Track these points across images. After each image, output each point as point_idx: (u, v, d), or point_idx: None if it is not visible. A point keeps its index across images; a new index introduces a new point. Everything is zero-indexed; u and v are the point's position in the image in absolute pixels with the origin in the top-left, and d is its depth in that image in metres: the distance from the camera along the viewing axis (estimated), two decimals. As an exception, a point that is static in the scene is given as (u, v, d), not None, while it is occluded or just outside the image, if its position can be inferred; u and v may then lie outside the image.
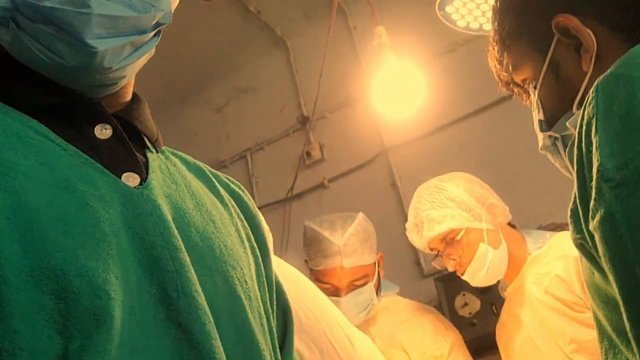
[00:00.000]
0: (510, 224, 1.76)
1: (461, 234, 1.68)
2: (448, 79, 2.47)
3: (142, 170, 0.62)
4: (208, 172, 0.77)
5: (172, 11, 0.66)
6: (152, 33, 0.64)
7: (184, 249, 0.59)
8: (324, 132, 2.88)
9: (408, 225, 1.79)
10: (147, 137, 0.68)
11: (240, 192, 0.80)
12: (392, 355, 1.79)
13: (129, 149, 0.62)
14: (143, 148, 0.67)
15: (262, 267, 0.73)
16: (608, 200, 0.54)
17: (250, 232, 0.74)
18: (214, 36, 2.99)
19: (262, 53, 3.11)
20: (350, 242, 1.82)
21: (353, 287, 1.80)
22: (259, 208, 2.54)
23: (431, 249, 1.77)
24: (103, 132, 0.62)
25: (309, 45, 2.95)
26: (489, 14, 1.74)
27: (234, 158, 3.15)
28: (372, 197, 2.66)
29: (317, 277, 1.84)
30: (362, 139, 2.73)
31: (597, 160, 0.55)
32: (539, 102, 0.82)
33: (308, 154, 2.88)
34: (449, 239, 1.70)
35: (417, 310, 1.92)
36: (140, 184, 0.60)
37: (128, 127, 0.65)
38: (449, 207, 1.69)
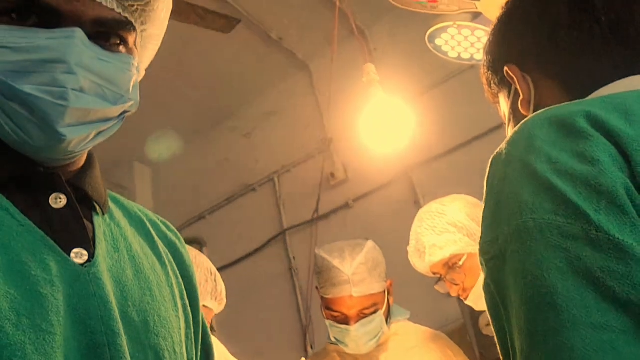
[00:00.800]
0: None
1: (463, 259, 1.66)
2: (468, 94, 2.48)
3: (90, 244, 0.67)
4: (148, 225, 0.82)
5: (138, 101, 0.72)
6: (117, 120, 0.70)
7: (121, 333, 0.63)
8: (348, 153, 2.92)
9: (410, 249, 1.78)
10: (96, 202, 0.72)
11: (177, 242, 0.85)
12: None
13: (79, 219, 0.67)
14: (91, 210, 0.72)
15: (192, 323, 0.78)
16: (486, 271, 0.59)
17: (183, 287, 0.80)
18: (239, 64, 3.08)
19: (286, 77, 3.18)
20: (359, 271, 1.81)
21: (363, 315, 1.80)
22: (287, 230, 2.59)
23: (434, 274, 1.76)
24: (57, 201, 0.66)
25: (330, 68, 3.00)
26: (478, 45, 1.78)
27: (262, 181, 3.20)
28: (396, 216, 2.67)
29: (327, 305, 1.85)
30: (385, 159, 2.76)
31: (481, 233, 0.61)
32: None
33: (332, 175, 2.91)
34: (451, 264, 1.69)
35: (427, 337, 1.91)
36: (88, 260, 0.65)
37: (80, 193, 0.70)
38: (450, 233, 1.68)
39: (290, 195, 3.09)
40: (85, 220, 0.68)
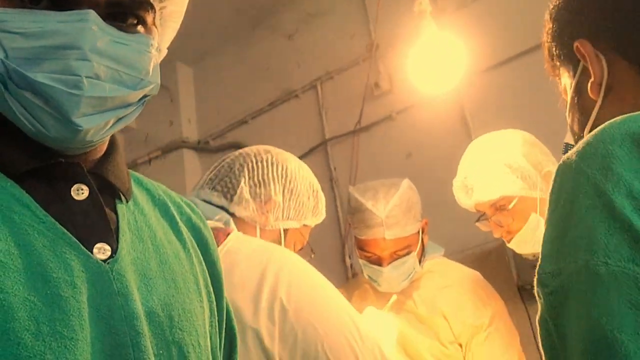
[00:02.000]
0: None
1: (513, 202, 1.60)
2: (518, 5, 2.31)
3: (113, 237, 0.65)
4: (172, 208, 0.79)
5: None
6: (137, 105, 0.66)
7: (145, 332, 0.62)
8: (393, 63, 2.80)
9: (457, 182, 1.71)
10: (119, 190, 0.70)
11: (201, 225, 0.83)
12: (434, 322, 1.79)
13: (101, 211, 0.65)
14: (114, 198, 0.70)
15: (216, 311, 0.77)
16: (543, 304, 0.54)
17: (207, 274, 0.78)
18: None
19: (332, -23, 3.02)
20: (392, 214, 1.78)
21: (396, 257, 1.79)
22: (328, 140, 2.58)
23: (478, 211, 1.70)
24: (79, 192, 0.64)
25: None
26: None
27: (305, 88, 3.13)
28: (440, 132, 2.60)
29: (360, 245, 1.84)
30: (434, 70, 2.64)
31: (540, 258, 0.55)
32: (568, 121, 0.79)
33: (377, 85, 2.82)
34: (499, 206, 1.62)
35: (461, 277, 1.88)
36: (112, 255, 0.64)
37: (103, 181, 0.68)
38: (504, 174, 1.59)
39: (333, 104, 3.03)
40: (108, 210, 0.66)
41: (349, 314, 1.07)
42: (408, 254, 1.81)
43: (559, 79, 0.84)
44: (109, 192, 0.70)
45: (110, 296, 0.62)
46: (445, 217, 2.56)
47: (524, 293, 2.26)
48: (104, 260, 0.63)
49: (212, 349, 0.75)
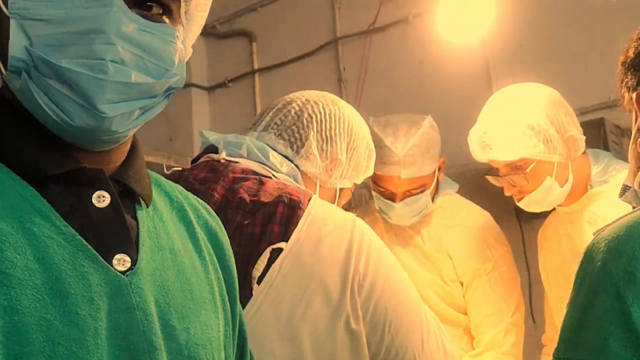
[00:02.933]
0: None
1: (531, 166, 1.55)
2: None
3: (133, 247, 0.65)
4: (189, 211, 0.78)
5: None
6: (163, 97, 0.65)
7: (162, 348, 0.63)
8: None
9: (473, 134, 1.64)
10: (140, 196, 0.70)
11: (218, 230, 0.82)
12: (438, 260, 1.82)
13: (122, 220, 0.65)
14: (134, 203, 0.70)
15: (230, 318, 0.77)
16: None
17: (222, 282, 0.77)
18: None
19: None
20: (411, 153, 1.75)
21: (409, 194, 1.79)
22: (339, 39, 2.49)
23: (491, 165, 1.66)
24: (100, 200, 0.64)
25: None
26: None
27: (319, -20, 2.99)
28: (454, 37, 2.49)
29: (374, 179, 1.82)
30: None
31: (558, 339, 0.59)
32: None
33: (395, -16, 2.68)
34: (515, 166, 1.58)
35: (470, 217, 1.88)
36: (131, 266, 0.64)
37: (124, 187, 0.68)
38: (526, 136, 1.54)
39: (348, 0, 2.90)
40: (128, 217, 0.65)
41: (420, 301, 1.07)
42: (422, 192, 1.80)
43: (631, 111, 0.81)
44: (129, 197, 0.69)
45: (129, 310, 0.62)
46: (451, 129, 2.52)
47: (520, 215, 2.27)
48: (123, 272, 0.63)
49: (225, 358, 0.75)
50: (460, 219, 1.87)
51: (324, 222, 1.00)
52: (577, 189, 1.60)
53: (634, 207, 0.75)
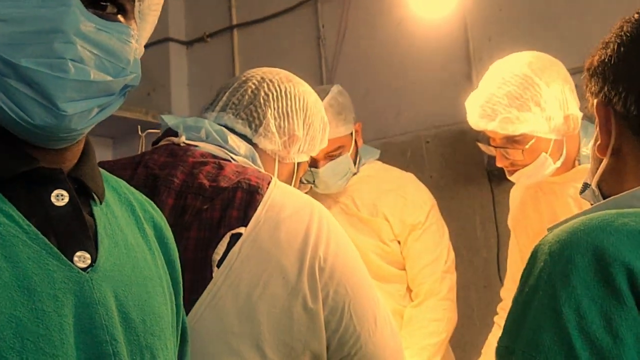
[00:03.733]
0: None
1: (531, 142, 1.55)
2: None
3: (92, 245, 0.67)
4: (136, 207, 0.80)
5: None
6: (120, 95, 0.66)
7: (122, 340, 0.66)
8: None
9: (473, 101, 1.60)
10: (94, 193, 0.72)
11: (162, 224, 0.84)
12: (376, 223, 1.93)
13: (81, 217, 0.67)
14: (89, 199, 0.71)
15: (175, 310, 0.80)
16: None
17: (169, 276, 0.80)
18: None
19: None
20: None
21: (330, 157, 1.89)
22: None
23: (486, 134, 1.64)
24: (59, 198, 0.66)
25: None
26: None
27: None
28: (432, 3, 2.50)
29: None
30: None
31: (502, 329, 0.65)
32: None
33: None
34: (513, 140, 1.57)
35: (399, 180, 2.01)
36: (91, 263, 0.66)
37: (80, 185, 0.69)
38: (532, 112, 1.52)
39: (328, -44, 2.87)
40: (86, 215, 0.68)
41: (371, 281, 1.12)
42: (341, 154, 1.91)
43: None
44: (85, 194, 0.71)
45: (91, 305, 0.64)
46: (426, 92, 2.55)
47: (492, 177, 2.32)
48: (84, 269, 0.65)
49: (174, 345, 0.79)
50: (389, 184, 1.99)
51: (282, 206, 1.03)
52: (565, 162, 1.61)
53: (591, 204, 0.80)
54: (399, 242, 1.95)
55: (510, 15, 2.39)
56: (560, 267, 0.60)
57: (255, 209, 1.00)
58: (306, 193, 2.04)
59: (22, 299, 0.59)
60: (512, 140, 1.57)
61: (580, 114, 1.57)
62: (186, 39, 3.27)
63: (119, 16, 0.67)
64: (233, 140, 1.16)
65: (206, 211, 1.00)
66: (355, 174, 1.97)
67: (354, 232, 1.90)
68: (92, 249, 0.67)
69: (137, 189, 1.03)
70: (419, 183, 2.03)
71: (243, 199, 1.01)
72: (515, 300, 0.66)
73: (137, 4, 0.71)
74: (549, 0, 2.30)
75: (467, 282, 2.29)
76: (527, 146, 1.55)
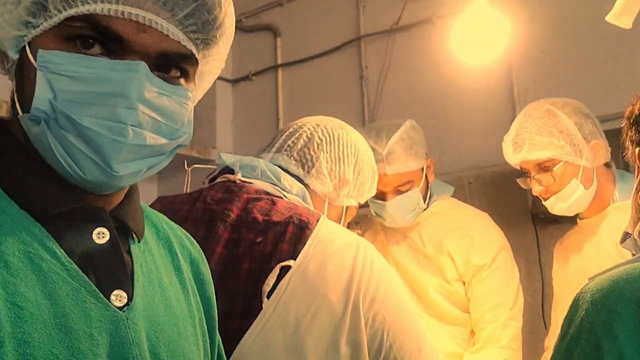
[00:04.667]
0: (606, 164, 1.74)
1: (558, 165, 1.67)
2: None
3: (129, 284, 0.69)
4: (174, 243, 0.82)
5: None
6: (170, 154, 0.69)
7: None
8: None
9: (507, 138, 1.78)
10: (134, 232, 0.73)
11: (199, 260, 0.85)
12: (439, 261, 1.90)
13: (120, 257, 0.69)
14: (128, 237, 0.73)
15: (209, 349, 0.82)
16: None
17: (202, 314, 0.81)
18: None
19: None
20: (393, 150, 1.87)
21: (398, 192, 1.89)
22: (362, 37, 2.50)
23: (521, 168, 1.77)
24: (100, 236, 0.67)
25: None
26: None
27: (345, -24, 3.00)
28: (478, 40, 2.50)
29: None
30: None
31: None
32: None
33: (420, -15, 2.69)
34: (544, 166, 1.70)
35: (468, 219, 1.97)
36: (127, 302, 0.67)
37: (121, 224, 0.71)
38: (555, 137, 1.67)
39: (372, -2, 2.91)
40: (124, 254, 0.69)
41: (418, 318, 1.13)
42: (410, 189, 1.90)
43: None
44: (124, 231, 0.73)
45: (125, 345, 0.65)
46: (471, 131, 2.54)
47: (536, 220, 2.28)
48: (120, 308, 0.66)
49: None
50: (458, 221, 1.95)
51: (330, 242, 1.06)
52: (599, 202, 1.71)
53: (633, 255, 0.78)
54: (463, 283, 1.90)
55: (555, 58, 2.37)
56: (603, 316, 0.60)
57: (305, 244, 1.03)
58: (375, 225, 2.07)
59: (60, 336, 0.60)
60: (542, 167, 1.71)
61: (607, 146, 1.71)
62: (232, 77, 3.34)
63: (181, 79, 0.69)
64: (286, 179, 1.21)
65: (259, 244, 1.04)
66: (425, 209, 1.95)
67: (418, 268, 1.90)
68: (129, 287, 0.69)
69: (195, 222, 1.04)
70: (490, 223, 1.98)
71: (294, 233, 1.04)
72: (557, 349, 0.65)
73: (199, 68, 0.73)
74: (595, 44, 2.28)
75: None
76: (555, 168, 1.68)
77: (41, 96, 0.61)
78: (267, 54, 3.22)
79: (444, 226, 1.93)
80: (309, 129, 1.30)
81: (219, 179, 1.22)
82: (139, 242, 0.74)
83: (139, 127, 0.63)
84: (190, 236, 0.89)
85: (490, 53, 2.26)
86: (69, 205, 0.65)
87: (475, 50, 2.29)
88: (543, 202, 1.75)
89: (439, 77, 2.63)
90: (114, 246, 0.68)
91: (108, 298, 0.66)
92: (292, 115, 3.07)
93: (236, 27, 2.79)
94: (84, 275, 0.65)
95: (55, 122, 0.61)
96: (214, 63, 0.77)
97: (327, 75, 3.00)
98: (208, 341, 0.82)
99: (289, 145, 1.28)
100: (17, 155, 0.66)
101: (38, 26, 0.64)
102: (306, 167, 1.25)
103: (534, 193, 1.75)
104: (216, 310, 0.86)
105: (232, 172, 1.22)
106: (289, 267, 1.01)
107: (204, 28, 0.69)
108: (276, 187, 1.19)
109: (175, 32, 0.66)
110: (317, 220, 1.08)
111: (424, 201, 1.94)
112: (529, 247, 2.31)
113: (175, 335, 0.73)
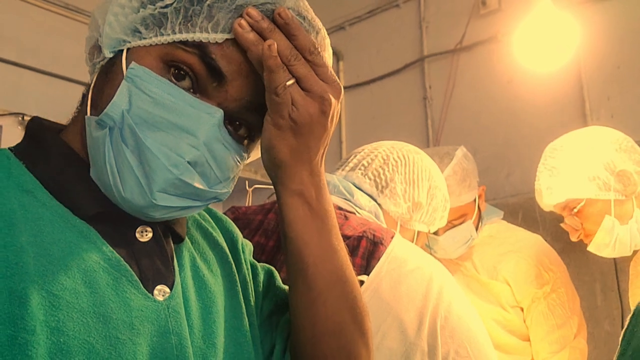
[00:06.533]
0: None
1: (579, 205, 1.55)
2: None
3: (172, 279, 0.68)
4: (219, 239, 0.81)
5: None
6: (205, 202, 0.67)
7: None
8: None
9: (536, 185, 1.70)
10: (177, 233, 0.73)
11: (238, 241, 0.84)
12: (495, 287, 1.80)
13: (164, 253, 0.69)
14: (170, 236, 0.72)
15: (261, 305, 0.81)
16: None
17: (249, 285, 0.80)
18: None
19: None
20: (447, 184, 1.77)
21: (451, 225, 1.82)
22: (426, 57, 2.47)
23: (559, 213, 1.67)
24: (143, 234, 0.68)
25: None
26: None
27: (407, -2, 2.99)
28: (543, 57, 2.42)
29: None
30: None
31: None
32: None
33: (483, 2, 2.64)
34: (569, 208, 1.59)
35: (522, 242, 1.86)
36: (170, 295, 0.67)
37: (164, 226, 0.71)
38: (566, 175, 1.56)
39: (435, 18, 2.88)
40: (167, 248, 0.69)
41: (493, 348, 1.10)
42: (464, 222, 1.83)
43: None
44: (166, 231, 0.72)
45: (165, 335, 0.64)
46: (538, 152, 2.45)
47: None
48: (162, 301, 0.66)
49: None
50: (511, 245, 1.85)
51: (404, 261, 1.03)
52: None
53: None
54: (521, 310, 1.80)
55: (629, 73, 2.27)
56: None
57: (378, 259, 1.01)
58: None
59: (97, 326, 0.60)
60: (566, 209, 1.60)
61: (638, 170, 1.54)
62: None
63: (245, 140, 0.70)
64: (360, 196, 1.20)
65: None
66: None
67: (472, 295, 1.81)
68: (171, 282, 0.68)
69: (266, 232, 1.05)
70: (544, 245, 1.87)
71: (367, 249, 1.02)
72: (621, 355, 0.60)
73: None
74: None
75: (588, 358, 2.11)
76: (575, 210, 1.55)
77: (118, 104, 0.62)
78: (330, 77, 3.23)
79: (496, 251, 1.85)
80: (384, 150, 1.30)
81: None
82: (182, 241, 0.74)
83: (193, 166, 0.63)
84: (216, 211, 0.88)
85: (558, 59, 2.17)
86: (110, 206, 0.65)
87: (542, 56, 2.20)
88: (587, 248, 1.62)
89: (505, 95, 2.56)
90: (158, 243, 0.68)
91: (151, 292, 0.65)
92: (355, 139, 3.06)
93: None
94: (126, 265, 0.64)
95: (119, 133, 0.61)
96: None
97: (390, 97, 2.98)
98: (260, 298, 0.81)
99: (363, 165, 1.27)
100: (67, 159, 0.67)
101: (145, 38, 0.64)
102: (380, 187, 1.24)
103: (572, 239, 1.64)
104: (250, 273, 0.84)
105: None
106: (361, 282, 0.98)
107: None
108: (349, 202, 1.18)
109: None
110: (391, 238, 1.06)
111: (476, 231, 1.86)
112: (605, 271, 2.19)
113: (216, 329, 0.72)
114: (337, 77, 0.69)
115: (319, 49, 0.66)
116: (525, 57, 2.28)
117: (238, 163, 0.69)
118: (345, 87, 3.16)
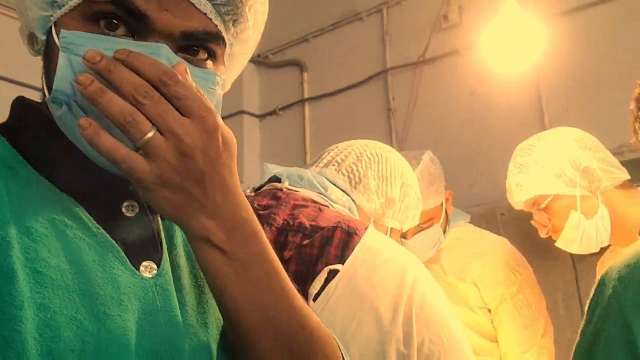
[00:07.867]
0: (626, 183, 1.60)
1: (547, 201, 1.59)
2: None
3: (159, 255, 0.67)
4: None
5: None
6: None
7: (186, 349, 0.64)
8: (467, -6, 2.65)
9: (507, 184, 1.74)
10: None
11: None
12: (463, 289, 1.83)
13: (150, 228, 0.67)
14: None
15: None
16: None
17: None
18: None
19: None
20: None
21: (420, 229, 1.83)
22: (389, 70, 2.49)
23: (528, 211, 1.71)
24: (130, 209, 0.66)
25: None
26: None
27: (371, 11, 3.01)
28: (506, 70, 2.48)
29: None
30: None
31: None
32: None
33: (445, 17, 2.68)
34: (538, 205, 1.63)
35: (489, 244, 1.90)
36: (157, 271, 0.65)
37: None
38: (534, 172, 1.60)
39: (398, 31, 2.92)
40: (154, 225, 0.67)
41: (466, 338, 1.11)
42: (432, 226, 1.85)
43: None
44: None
45: (153, 313, 0.63)
46: (500, 163, 2.49)
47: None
48: (149, 278, 0.65)
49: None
50: (478, 248, 1.88)
51: (378, 251, 1.04)
52: (629, 230, 1.55)
53: None
54: (489, 311, 1.82)
55: (587, 86, 2.33)
56: (631, 292, 0.56)
57: (353, 249, 1.02)
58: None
59: (84, 303, 0.58)
60: (534, 206, 1.64)
61: (604, 168, 1.58)
62: (259, 112, 3.36)
63: (209, 61, 0.66)
64: (333, 190, 1.22)
65: (306, 247, 1.04)
66: None
67: None
68: (158, 259, 0.67)
69: None
70: (511, 247, 1.91)
71: (342, 239, 1.03)
72: (583, 333, 0.62)
73: (228, 48, 0.69)
74: (630, 73, 2.24)
75: (551, 364, 2.15)
76: (542, 205, 1.59)
77: (62, 78, 0.60)
78: (294, 89, 3.24)
79: (464, 253, 1.87)
80: (358, 148, 1.31)
81: (265, 187, 1.23)
82: None
83: None
84: None
85: (521, 62, 2.21)
86: (95, 181, 0.64)
87: (505, 59, 2.23)
88: (556, 244, 1.66)
89: (467, 107, 2.60)
90: (145, 218, 0.67)
91: (137, 269, 0.64)
92: (319, 149, 3.06)
93: (263, 63, 2.85)
94: (112, 241, 0.63)
95: (77, 104, 0.59)
96: (244, 45, 0.73)
97: (354, 108, 3.00)
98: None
99: (337, 161, 1.28)
100: (51, 138, 0.65)
101: (64, 5, 0.62)
102: (354, 183, 1.25)
103: (542, 235, 1.68)
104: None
105: (279, 181, 1.23)
106: (336, 272, 0.99)
107: (233, 1, 0.66)
108: (322, 196, 1.19)
109: (204, 3, 0.63)
110: (365, 229, 1.07)
111: (444, 234, 1.89)
112: (568, 280, 2.24)
113: (202, 301, 0.70)
114: (208, 103, 0.58)
115: (177, 77, 0.56)
116: (490, 59, 2.30)
117: (213, 90, 0.65)
118: (309, 99, 3.17)
